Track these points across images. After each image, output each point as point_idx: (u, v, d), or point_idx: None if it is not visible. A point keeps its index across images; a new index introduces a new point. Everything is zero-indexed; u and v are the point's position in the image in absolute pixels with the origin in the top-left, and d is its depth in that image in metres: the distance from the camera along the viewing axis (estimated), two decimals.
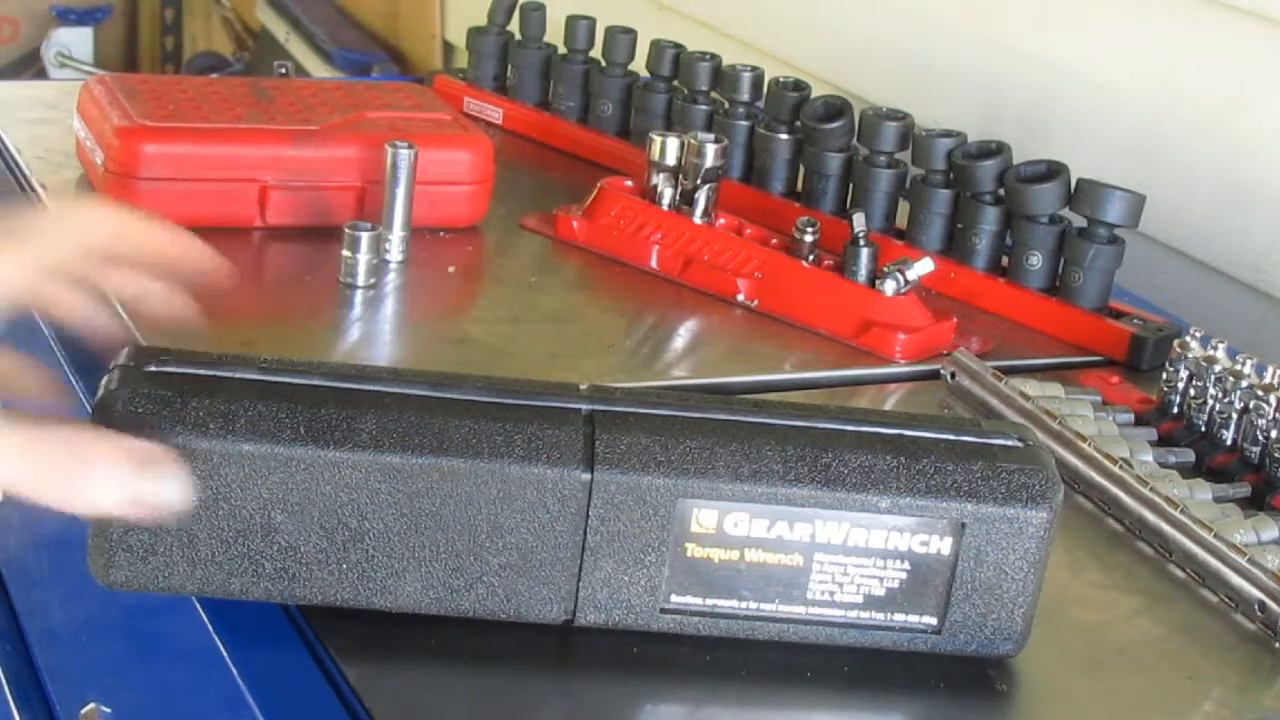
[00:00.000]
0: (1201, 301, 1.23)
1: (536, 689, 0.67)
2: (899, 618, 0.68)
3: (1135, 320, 1.07)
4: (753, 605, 0.68)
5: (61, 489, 0.61)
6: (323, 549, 0.65)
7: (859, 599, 0.68)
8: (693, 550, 0.67)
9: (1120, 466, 0.86)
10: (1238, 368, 0.91)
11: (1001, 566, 0.68)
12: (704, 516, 0.67)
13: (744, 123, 1.23)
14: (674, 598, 0.67)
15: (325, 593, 0.66)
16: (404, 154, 1.05)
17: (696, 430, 0.67)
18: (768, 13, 1.65)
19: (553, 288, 1.11)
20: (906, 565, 0.68)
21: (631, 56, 1.33)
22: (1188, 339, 0.94)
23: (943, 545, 0.68)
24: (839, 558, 0.67)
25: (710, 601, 0.68)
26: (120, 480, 0.61)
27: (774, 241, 1.09)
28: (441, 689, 0.66)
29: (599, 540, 0.66)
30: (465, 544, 0.65)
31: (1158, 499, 0.83)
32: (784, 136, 1.21)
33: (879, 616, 0.68)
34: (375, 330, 1.03)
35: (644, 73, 1.32)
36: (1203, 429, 0.92)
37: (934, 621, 0.68)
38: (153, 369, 0.66)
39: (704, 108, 1.26)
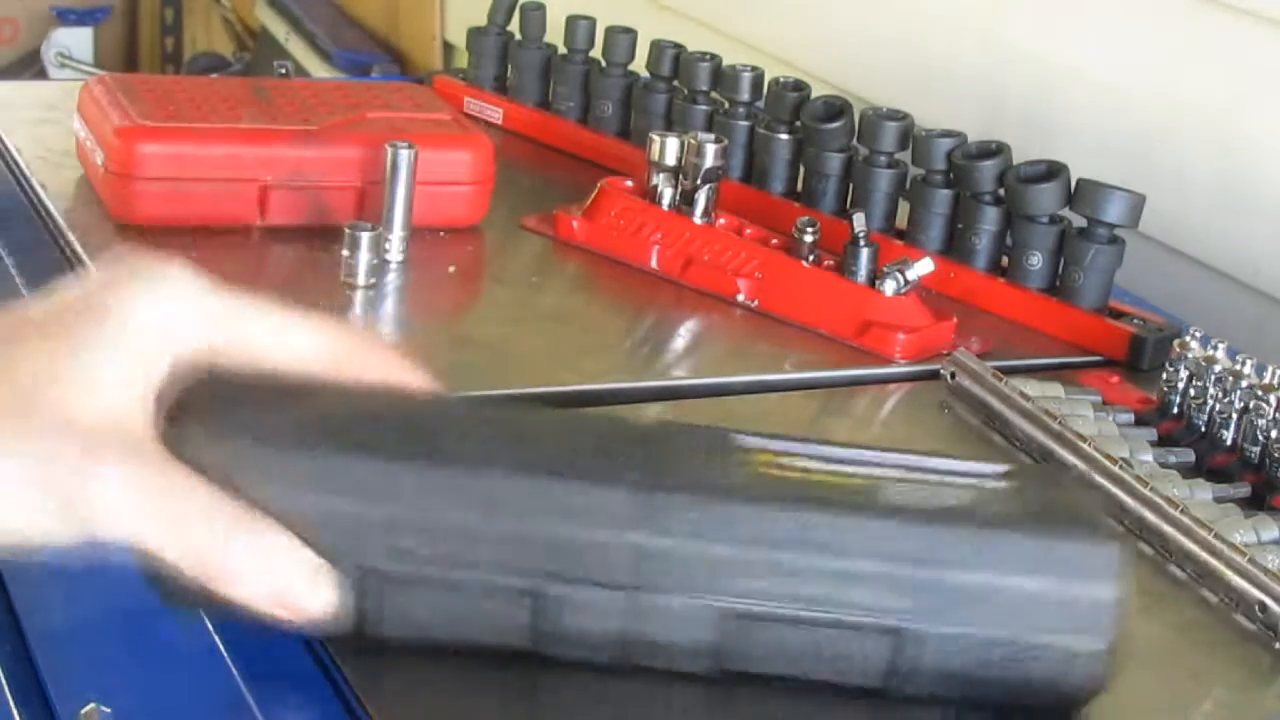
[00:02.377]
0: (1201, 301, 1.23)
1: (537, 685, 0.67)
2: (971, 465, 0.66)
3: (1135, 320, 1.07)
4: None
5: (203, 561, 0.60)
6: None
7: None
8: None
9: (1120, 466, 0.85)
10: (1238, 368, 0.91)
11: None
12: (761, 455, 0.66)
13: (744, 123, 1.23)
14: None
15: None
16: (404, 154, 1.05)
17: None
18: (768, 13, 1.65)
19: (553, 288, 1.11)
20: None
21: (631, 56, 1.33)
22: (1188, 339, 0.94)
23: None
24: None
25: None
26: (271, 571, 0.60)
27: (774, 241, 1.09)
28: (442, 689, 0.66)
29: None
30: None
31: (1158, 499, 0.83)
32: (784, 136, 1.21)
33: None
34: (375, 330, 1.03)
35: (644, 73, 1.32)
36: (1203, 429, 0.92)
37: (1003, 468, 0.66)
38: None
39: (704, 108, 1.26)
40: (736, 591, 0.63)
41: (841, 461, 0.67)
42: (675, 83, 1.29)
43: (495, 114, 1.39)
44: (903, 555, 0.63)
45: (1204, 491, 0.86)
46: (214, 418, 0.63)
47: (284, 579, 0.61)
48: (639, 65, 1.33)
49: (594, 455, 0.64)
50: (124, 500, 0.59)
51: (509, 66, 1.40)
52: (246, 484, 0.62)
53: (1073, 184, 1.08)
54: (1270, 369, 0.90)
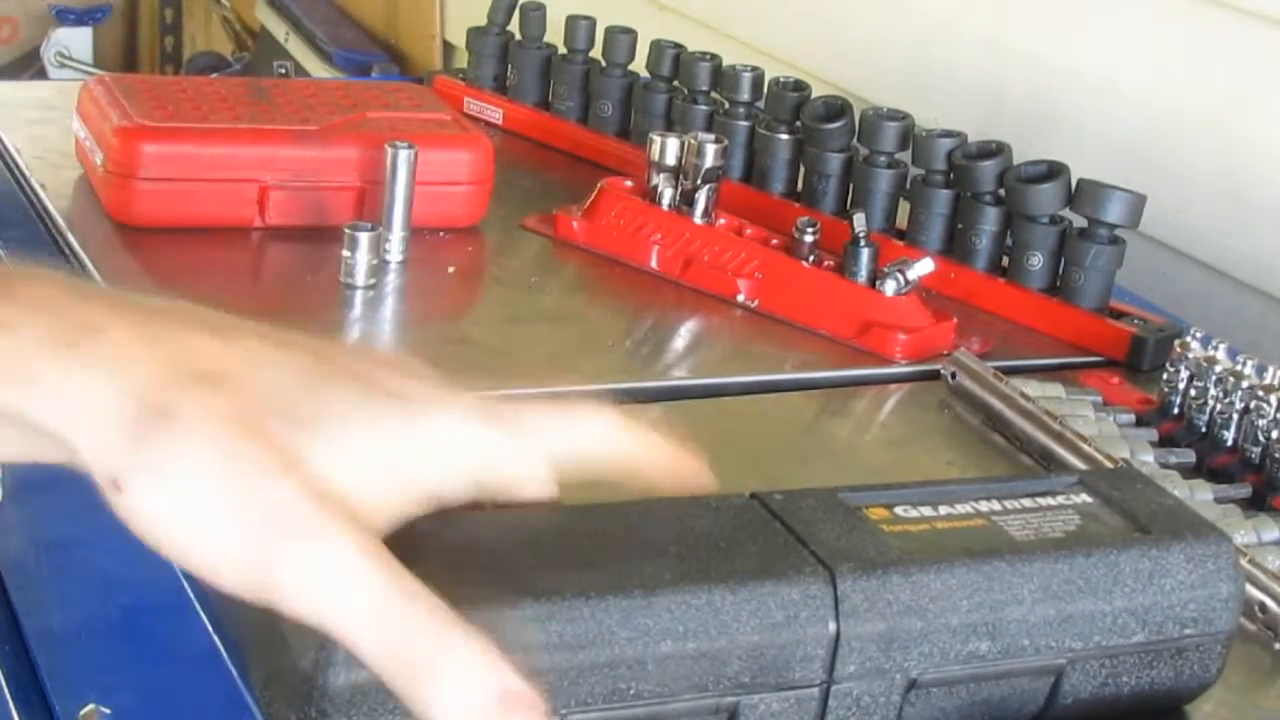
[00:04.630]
0: (1202, 302, 1.23)
1: None
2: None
3: (1136, 320, 1.07)
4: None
5: (407, 671, 0.50)
6: None
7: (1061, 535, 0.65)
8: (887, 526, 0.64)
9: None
10: (1238, 368, 0.91)
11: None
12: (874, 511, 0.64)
13: (744, 123, 1.23)
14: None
15: None
16: (404, 154, 1.05)
17: None
18: (768, 13, 1.65)
19: (553, 288, 1.10)
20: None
21: (631, 56, 1.33)
22: (1188, 339, 0.94)
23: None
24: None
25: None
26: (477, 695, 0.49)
27: (774, 242, 1.09)
28: None
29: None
30: None
31: None
32: (784, 136, 1.21)
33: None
34: (375, 331, 1.03)
35: (644, 73, 1.32)
36: (1203, 429, 0.92)
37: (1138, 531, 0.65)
38: None
39: (704, 108, 1.26)
40: (918, 663, 0.62)
41: (941, 503, 0.66)
42: (675, 83, 1.29)
43: (495, 114, 1.39)
44: (1053, 593, 0.63)
45: (1204, 492, 0.86)
46: None
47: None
48: (639, 65, 1.33)
49: (732, 543, 0.60)
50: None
51: (509, 66, 1.40)
52: None
53: (1073, 184, 1.08)
54: (1271, 369, 0.90)
